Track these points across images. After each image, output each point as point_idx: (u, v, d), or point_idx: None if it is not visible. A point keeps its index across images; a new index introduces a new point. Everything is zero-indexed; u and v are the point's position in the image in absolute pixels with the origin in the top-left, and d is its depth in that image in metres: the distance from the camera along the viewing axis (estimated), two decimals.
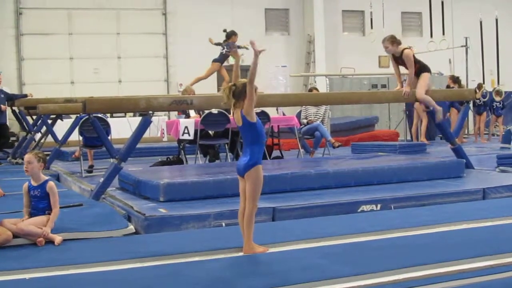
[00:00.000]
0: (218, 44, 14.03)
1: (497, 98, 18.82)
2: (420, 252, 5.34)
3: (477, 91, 18.00)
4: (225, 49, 13.93)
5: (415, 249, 5.48)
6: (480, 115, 18.81)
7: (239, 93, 5.50)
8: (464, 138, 18.81)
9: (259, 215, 6.92)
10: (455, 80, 17.47)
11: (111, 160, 9.35)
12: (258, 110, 11.87)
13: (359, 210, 7.48)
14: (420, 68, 10.13)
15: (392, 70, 10.85)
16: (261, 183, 5.50)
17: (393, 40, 10.11)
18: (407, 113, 18.57)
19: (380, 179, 8.86)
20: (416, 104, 15.68)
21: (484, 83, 20.09)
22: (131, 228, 6.65)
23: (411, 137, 18.62)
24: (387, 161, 10.03)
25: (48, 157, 10.06)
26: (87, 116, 11.26)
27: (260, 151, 5.52)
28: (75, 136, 12.57)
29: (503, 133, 16.46)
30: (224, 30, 14.46)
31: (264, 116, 12.02)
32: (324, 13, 24.73)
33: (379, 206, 7.62)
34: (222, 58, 14.11)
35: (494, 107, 18.91)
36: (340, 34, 25.76)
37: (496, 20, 23.31)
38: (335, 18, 25.52)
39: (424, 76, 10.14)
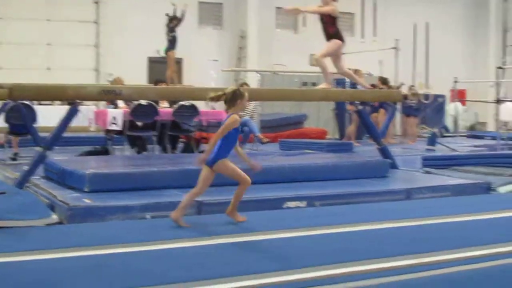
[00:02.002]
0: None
1: (413, 99, 19.03)
2: (342, 250, 5.39)
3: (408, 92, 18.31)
4: (170, 34, 14.00)
5: (337, 247, 5.53)
6: (408, 116, 19.06)
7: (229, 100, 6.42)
8: (393, 139, 19.06)
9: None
10: (384, 81, 17.71)
11: (37, 148, 9.21)
12: (187, 103, 11.86)
13: (284, 207, 7.52)
14: (336, 33, 10.12)
15: None
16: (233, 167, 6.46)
17: None
18: (336, 112, 18.73)
19: (306, 177, 8.91)
20: (348, 106, 15.84)
21: (413, 85, 20.39)
22: (55, 218, 6.55)
23: (340, 135, 18.81)
24: (314, 159, 10.11)
25: None
26: (13, 103, 11.06)
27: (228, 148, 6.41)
28: (0, 122, 12.33)
29: (429, 135, 16.70)
30: (167, 14, 14.47)
31: (193, 109, 12.01)
32: (257, 9, 24.77)
33: (304, 203, 7.67)
34: (173, 44, 14.13)
35: (410, 108, 19.08)
36: (273, 31, 25.82)
37: (427, 24, 23.69)
38: (268, 15, 25.56)
39: (334, 42, 10.13)
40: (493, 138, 17.35)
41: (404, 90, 18.27)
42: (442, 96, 23.86)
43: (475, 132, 24.15)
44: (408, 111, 19.00)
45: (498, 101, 16.43)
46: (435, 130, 17.24)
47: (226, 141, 6.35)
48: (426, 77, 23.13)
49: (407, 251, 5.25)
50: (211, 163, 6.33)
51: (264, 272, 4.59)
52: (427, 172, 10.43)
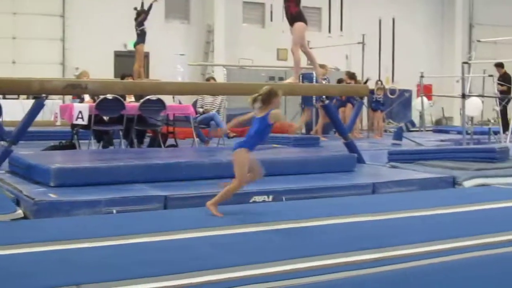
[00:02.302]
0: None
1: (379, 93, 19.15)
2: (308, 244, 5.41)
3: (375, 87, 18.49)
4: (139, 28, 13.95)
5: (303, 241, 5.55)
6: (375, 111, 19.17)
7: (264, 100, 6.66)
8: (360, 133, 19.15)
9: (150, 203, 6.92)
10: (351, 76, 17.79)
11: (1, 142, 9.12)
12: (154, 97, 11.82)
13: (251, 201, 7.53)
14: (299, 14, 10.09)
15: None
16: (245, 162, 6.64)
17: None
18: (303, 106, 18.77)
19: (273, 171, 8.89)
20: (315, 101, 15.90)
21: (380, 80, 20.52)
22: (20, 212, 6.49)
23: (306, 130, 18.86)
24: (281, 153, 10.13)
25: None
26: None
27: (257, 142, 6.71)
28: None
29: (395, 130, 16.80)
30: (135, 8, 14.42)
31: (159, 104, 11.96)
32: (224, 3, 24.73)
33: (271, 197, 7.68)
34: (143, 37, 14.09)
35: (377, 102, 19.18)
36: (240, 25, 25.80)
37: (393, 19, 23.86)
38: (235, 9, 25.53)
39: (299, 26, 10.09)
40: (459, 132, 17.51)
41: (371, 84, 18.39)
42: (409, 91, 24.04)
43: (441, 126, 24.36)
44: (375, 106, 19.10)
45: (464, 96, 16.55)
46: (402, 124, 17.36)
47: (259, 134, 6.69)
48: (393, 72, 23.31)
49: (372, 245, 5.27)
50: (234, 148, 6.71)
51: (230, 267, 4.59)
52: (393, 167, 10.48)
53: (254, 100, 6.74)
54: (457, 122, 25.98)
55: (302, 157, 9.74)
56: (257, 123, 6.68)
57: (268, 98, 6.68)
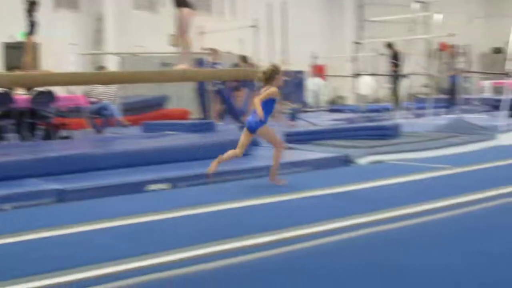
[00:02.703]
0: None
1: None
2: (206, 230, 5.41)
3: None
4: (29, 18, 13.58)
5: (201, 228, 5.54)
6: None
7: (268, 77, 7.44)
8: None
9: (45, 197, 6.79)
10: (244, 59, 17.83)
11: None
12: (45, 89, 11.58)
13: (148, 189, 7.47)
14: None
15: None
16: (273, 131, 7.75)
17: None
18: (199, 91, 18.69)
19: (168, 158, 8.87)
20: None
21: (274, 63, 20.62)
22: None
23: (203, 115, 18.82)
24: (176, 140, 10.08)
25: None
26: None
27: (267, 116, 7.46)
28: None
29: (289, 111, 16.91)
30: None
31: (49, 95, 11.72)
32: None
33: (168, 185, 7.64)
34: (33, 28, 13.72)
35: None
36: (130, 12, 25.48)
37: (284, 1, 24.04)
38: None
39: (184, 13, 9.98)
40: (353, 111, 17.82)
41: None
42: (301, 72, 24.27)
43: (335, 106, 24.70)
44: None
45: (355, 76, 16.85)
46: (296, 105, 17.53)
47: (266, 109, 7.35)
48: (285, 54, 23.49)
49: (270, 227, 5.31)
50: (254, 129, 7.51)
51: (128, 257, 4.54)
52: (289, 148, 10.56)
53: (259, 79, 7.58)
54: (351, 101, 26.40)
55: (197, 143, 9.70)
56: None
57: (271, 76, 7.44)
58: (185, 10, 10.00)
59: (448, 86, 21.80)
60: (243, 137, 7.64)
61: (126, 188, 7.31)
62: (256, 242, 4.92)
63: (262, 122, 7.43)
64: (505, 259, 4.35)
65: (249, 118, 7.64)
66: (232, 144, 9.61)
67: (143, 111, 18.87)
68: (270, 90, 7.35)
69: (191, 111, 19.86)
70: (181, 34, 10.11)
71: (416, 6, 18.55)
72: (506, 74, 15.09)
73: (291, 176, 8.41)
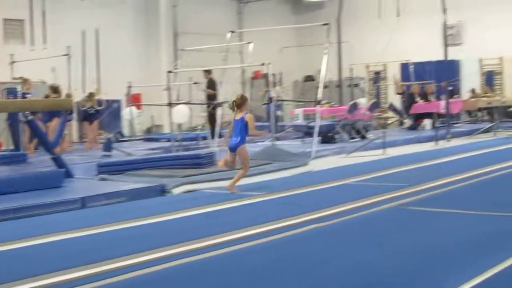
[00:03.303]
0: None
1: (89, 105, 19.02)
2: (19, 266, 5.23)
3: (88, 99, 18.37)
4: None
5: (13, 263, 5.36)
6: (91, 123, 18.88)
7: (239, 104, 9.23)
8: (70, 146, 18.79)
9: None
10: (55, 89, 17.41)
11: None
12: None
13: None
14: None
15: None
16: (248, 154, 9.47)
17: None
18: (9, 122, 18.10)
19: None
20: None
21: (94, 91, 20.31)
22: None
23: (15, 146, 18.22)
24: None
25: None
26: None
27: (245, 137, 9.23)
28: None
29: (104, 141, 16.64)
30: None
31: None
32: None
33: None
34: None
35: (88, 114, 19.00)
36: None
37: (97, 30, 23.81)
38: None
39: None
40: (169, 140, 17.80)
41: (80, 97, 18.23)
42: (118, 101, 24.04)
43: (151, 135, 24.60)
44: (85, 117, 18.93)
45: (170, 104, 16.94)
46: (111, 135, 17.33)
47: (243, 130, 9.12)
48: (99, 83, 23.23)
49: (83, 262, 5.20)
50: (234, 149, 9.16)
51: None
52: (103, 179, 10.44)
53: (232, 106, 9.21)
54: (167, 129, 26.39)
55: (6, 176, 9.39)
56: (240, 123, 9.13)
57: (242, 102, 9.24)
58: None
59: (266, 114, 22.21)
60: (229, 157, 9.30)
61: None
62: (65, 278, 4.82)
63: (241, 143, 9.09)
64: None
65: (231, 140, 9.22)
66: (42, 177, 9.41)
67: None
68: (251, 118, 9.21)
69: (2, 142, 19.18)
70: None
71: (229, 35, 18.86)
72: (318, 102, 15.60)
73: (104, 208, 8.30)
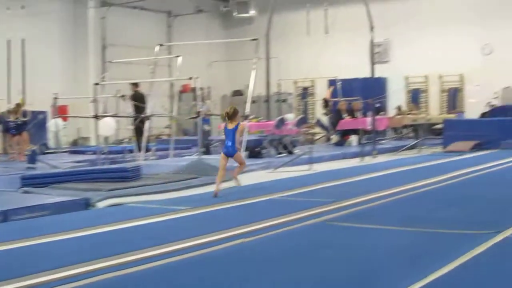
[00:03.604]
0: None
1: (12, 117, 18.72)
2: None
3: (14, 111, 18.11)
4: None
5: None
6: (16, 135, 18.52)
7: (232, 115, 10.69)
8: None
9: None
10: None
11: None
12: None
13: None
14: None
15: None
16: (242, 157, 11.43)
17: None
18: None
19: None
20: None
21: (19, 102, 19.99)
22: None
23: None
24: None
25: None
26: None
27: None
28: None
29: (29, 153, 16.36)
30: None
31: None
32: None
33: None
34: None
35: (11, 127, 18.67)
36: None
37: (23, 40, 23.49)
38: None
39: None
40: (95, 152, 17.61)
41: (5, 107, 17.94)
42: (44, 113, 23.69)
43: (77, 147, 24.31)
44: (8, 129, 18.62)
45: (97, 117, 16.80)
46: (35, 147, 17.09)
47: (235, 139, 10.56)
48: (24, 93, 22.89)
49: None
50: (232, 154, 10.66)
51: None
52: (26, 192, 10.28)
53: (225, 117, 10.66)
54: (93, 142, 26.11)
55: None
56: (232, 132, 10.52)
57: (234, 114, 10.61)
58: None
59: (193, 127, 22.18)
60: (222, 161, 10.64)
61: None
62: None
63: (236, 150, 10.62)
64: None
65: (225, 147, 10.60)
66: None
67: None
68: (243, 127, 11.46)
69: None
70: None
71: (158, 48, 18.81)
72: (246, 117, 15.66)
73: (27, 222, 8.17)
